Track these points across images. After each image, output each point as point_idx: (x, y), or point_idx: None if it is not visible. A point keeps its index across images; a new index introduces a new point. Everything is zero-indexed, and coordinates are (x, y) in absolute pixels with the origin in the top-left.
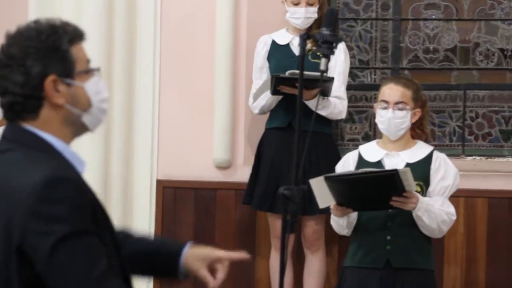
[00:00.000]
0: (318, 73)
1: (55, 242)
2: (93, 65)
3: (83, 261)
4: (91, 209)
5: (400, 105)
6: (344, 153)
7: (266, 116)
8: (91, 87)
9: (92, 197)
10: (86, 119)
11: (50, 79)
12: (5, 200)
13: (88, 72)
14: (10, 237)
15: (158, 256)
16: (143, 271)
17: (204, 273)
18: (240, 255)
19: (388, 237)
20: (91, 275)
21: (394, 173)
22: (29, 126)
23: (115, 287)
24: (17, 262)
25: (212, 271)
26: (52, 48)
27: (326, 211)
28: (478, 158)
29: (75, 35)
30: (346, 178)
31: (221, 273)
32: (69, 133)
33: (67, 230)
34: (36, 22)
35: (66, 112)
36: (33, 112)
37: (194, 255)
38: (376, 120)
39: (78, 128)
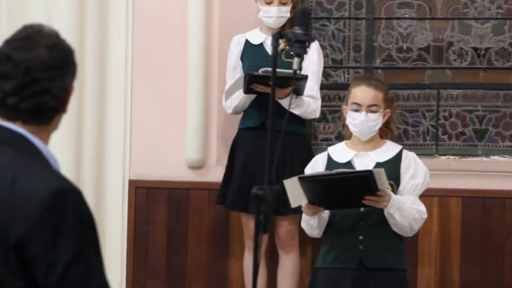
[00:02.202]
0: (291, 71)
1: (68, 258)
2: None
3: (97, 273)
4: (92, 220)
5: (373, 108)
6: (318, 153)
7: (239, 116)
8: None
9: None
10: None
11: (72, 90)
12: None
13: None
14: (6, 241)
15: None
16: None
17: None
18: None
19: (361, 237)
20: (106, 285)
21: (369, 174)
22: (16, 128)
23: None
24: (15, 265)
25: None
26: (74, 62)
27: (300, 211)
28: (451, 157)
29: None
30: (320, 178)
31: None
32: (49, 139)
33: (78, 244)
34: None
35: (59, 122)
36: (51, 118)
37: None
38: (348, 122)
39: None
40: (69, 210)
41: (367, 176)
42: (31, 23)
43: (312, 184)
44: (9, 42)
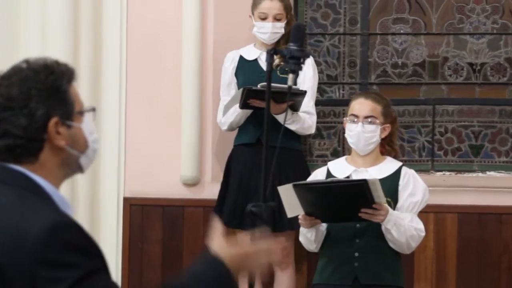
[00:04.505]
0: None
1: (70, 286)
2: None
3: None
4: (96, 248)
5: (369, 119)
6: (313, 169)
7: (234, 132)
8: (87, 127)
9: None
10: (83, 160)
11: (53, 121)
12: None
13: (83, 112)
14: (7, 283)
15: None
16: None
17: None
18: None
19: (356, 254)
20: None
21: (363, 182)
22: (17, 167)
23: None
24: None
25: None
26: (54, 89)
27: (296, 227)
28: (447, 173)
29: (71, 74)
30: (314, 186)
31: None
32: (62, 176)
33: (78, 274)
34: (27, 61)
35: (65, 155)
36: (32, 156)
37: None
38: (346, 135)
39: (72, 170)
40: (66, 242)
41: (361, 185)
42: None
43: (307, 192)
44: None
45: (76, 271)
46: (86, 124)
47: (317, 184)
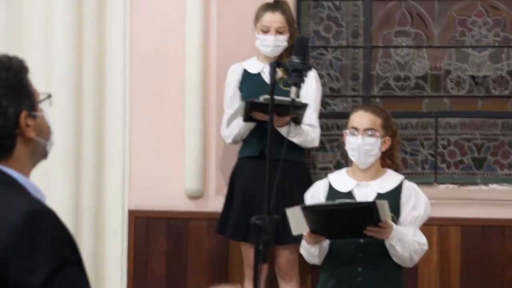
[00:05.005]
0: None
1: (44, 277)
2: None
3: None
4: (70, 238)
5: (369, 132)
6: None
7: (238, 145)
8: (47, 114)
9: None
10: (48, 147)
11: (23, 116)
12: None
13: (42, 101)
14: None
15: None
16: None
17: None
18: None
19: (359, 269)
20: None
21: (372, 205)
22: None
23: None
24: None
25: None
26: (18, 85)
27: (300, 240)
28: (450, 186)
29: (25, 66)
30: (323, 209)
31: None
32: (31, 165)
33: (52, 265)
34: None
35: (34, 144)
36: (7, 152)
37: None
38: (346, 148)
39: (39, 158)
40: (41, 231)
41: (370, 208)
42: None
43: (314, 214)
44: None
45: (49, 261)
46: (46, 112)
47: (325, 207)
